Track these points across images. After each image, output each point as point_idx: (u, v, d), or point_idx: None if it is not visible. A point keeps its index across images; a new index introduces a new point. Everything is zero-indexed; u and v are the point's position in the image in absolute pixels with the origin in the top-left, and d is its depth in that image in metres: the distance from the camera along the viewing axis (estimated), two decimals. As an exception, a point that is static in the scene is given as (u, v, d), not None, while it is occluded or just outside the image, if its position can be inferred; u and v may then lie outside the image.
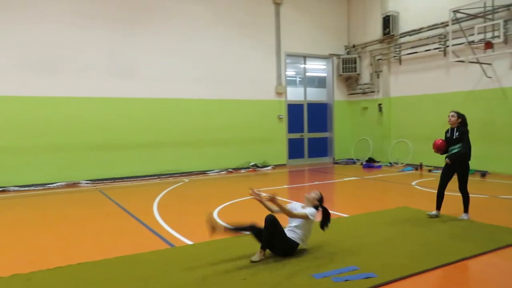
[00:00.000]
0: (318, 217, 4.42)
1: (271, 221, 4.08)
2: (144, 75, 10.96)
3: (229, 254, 4.36)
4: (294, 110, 13.77)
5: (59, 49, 9.91)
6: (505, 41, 9.63)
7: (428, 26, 11.73)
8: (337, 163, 14.01)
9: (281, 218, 4.23)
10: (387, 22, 12.65)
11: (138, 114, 10.88)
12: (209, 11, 11.91)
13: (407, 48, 12.46)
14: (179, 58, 11.44)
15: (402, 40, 12.62)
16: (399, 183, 9.47)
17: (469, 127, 5.77)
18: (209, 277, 3.72)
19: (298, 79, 15.24)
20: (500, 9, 9.82)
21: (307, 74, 14.62)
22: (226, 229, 4.29)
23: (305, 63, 14.24)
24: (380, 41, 13.24)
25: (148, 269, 3.96)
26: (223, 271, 3.85)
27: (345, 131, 14.58)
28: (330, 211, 4.59)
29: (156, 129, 11.09)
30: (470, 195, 5.78)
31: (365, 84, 14.04)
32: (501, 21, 9.26)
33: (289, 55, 13.53)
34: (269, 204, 4.24)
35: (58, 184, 9.79)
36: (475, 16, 10.01)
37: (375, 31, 13.40)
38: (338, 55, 14.26)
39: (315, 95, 14.90)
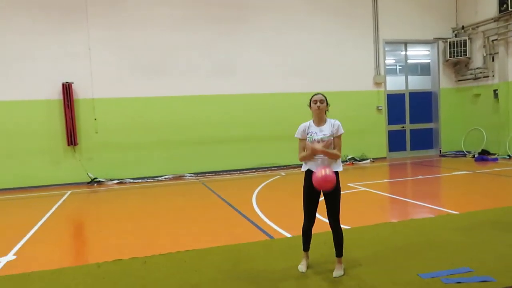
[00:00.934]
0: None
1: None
2: (242, 72, 11.33)
3: (329, 247, 4.29)
4: (394, 100, 13.02)
5: (163, 52, 10.72)
6: None
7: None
8: (444, 156, 12.93)
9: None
10: (504, -3, 11.24)
11: (236, 109, 11.30)
12: (305, 3, 11.83)
13: (529, 25, 10.93)
14: (275, 53, 11.57)
15: (523, 16, 11.11)
16: (520, 178, 8.40)
17: None
18: (307, 272, 3.71)
19: (398, 67, 14.40)
20: None
21: (409, 61, 13.69)
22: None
23: (406, 50, 13.35)
24: (496, 20, 11.81)
25: (250, 260, 4.09)
26: (322, 265, 3.81)
27: (453, 121, 13.36)
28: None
29: (254, 124, 11.39)
30: None
31: (477, 68, 12.69)
32: None
33: (388, 43, 12.82)
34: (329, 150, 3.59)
35: (166, 176, 10.64)
36: None
37: (489, 8, 11.99)
38: (444, 39, 13.09)
39: (417, 83, 13.91)
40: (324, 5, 12.02)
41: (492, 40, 12.06)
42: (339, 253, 3.65)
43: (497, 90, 11.96)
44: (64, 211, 7.23)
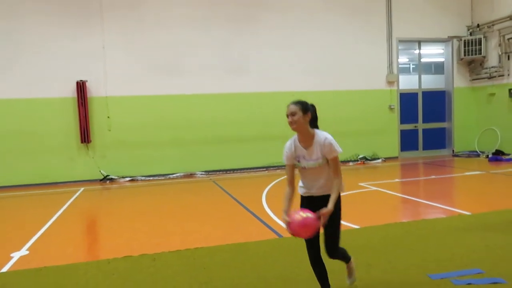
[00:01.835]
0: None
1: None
2: (255, 70, 11.33)
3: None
4: (407, 99, 12.88)
5: (177, 51, 10.78)
6: None
7: None
8: (457, 155, 12.75)
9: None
10: (520, -6, 11.03)
11: (248, 108, 11.30)
12: (318, 1, 11.77)
13: (547, 23, 10.71)
14: (288, 51, 11.54)
15: (540, 14, 10.89)
16: (535, 179, 8.25)
17: None
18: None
19: (411, 66, 14.23)
20: None
21: (422, 60, 13.53)
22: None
23: (419, 49, 13.19)
24: (512, 18, 11.61)
25: (259, 258, 4.10)
26: (331, 265, 3.79)
27: (467, 120, 13.17)
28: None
29: (266, 122, 11.38)
30: None
31: (492, 67, 12.47)
32: None
33: (401, 41, 12.68)
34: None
35: (177, 174, 10.71)
36: None
37: (506, 6, 11.78)
38: (459, 37, 12.90)
39: (431, 82, 13.72)
40: (337, 3, 11.95)
41: (508, 39, 11.84)
42: (345, 261, 3.20)
43: (512, 89, 11.76)
44: (77, 208, 7.34)
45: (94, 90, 10.30)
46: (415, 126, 13.07)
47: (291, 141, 2.92)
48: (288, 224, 2.69)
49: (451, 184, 8.47)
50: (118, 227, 5.74)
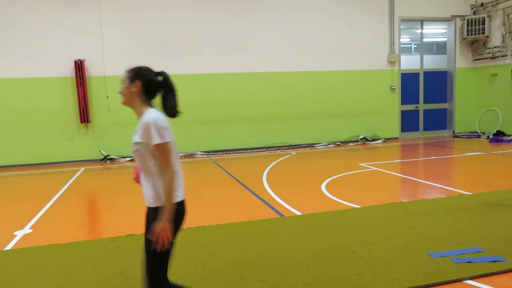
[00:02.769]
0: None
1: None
2: (254, 51, 11.19)
3: (338, 226, 4.32)
4: (408, 79, 12.79)
5: (175, 30, 10.62)
6: None
7: None
8: (457, 136, 12.75)
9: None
10: (526, -28, 10.81)
11: (248, 88, 11.22)
12: (317, -20, 11.57)
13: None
14: (287, 31, 11.37)
15: (546, -8, 10.70)
16: (535, 159, 8.26)
17: None
18: (318, 250, 3.74)
19: (413, 46, 14.07)
20: None
21: (424, 39, 13.36)
22: None
23: (422, 28, 13.02)
24: (516, -4, 11.41)
25: (260, 236, 4.14)
26: (332, 243, 3.83)
27: (468, 101, 13.11)
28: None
29: (265, 103, 11.33)
30: None
31: (495, 47, 12.34)
32: None
33: (403, 20, 12.50)
34: None
35: (178, 155, 10.70)
36: None
37: (510, -16, 11.57)
38: (462, 16, 12.72)
39: (433, 62, 13.58)
40: (338, -19, 11.73)
41: (512, 18, 11.68)
42: None
43: (515, 69, 11.66)
44: (78, 187, 7.36)
45: (92, 70, 10.19)
46: (416, 107, 13.02)
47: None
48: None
49: (451, 165, 8.48)
50: (120, 206, 5.77)
